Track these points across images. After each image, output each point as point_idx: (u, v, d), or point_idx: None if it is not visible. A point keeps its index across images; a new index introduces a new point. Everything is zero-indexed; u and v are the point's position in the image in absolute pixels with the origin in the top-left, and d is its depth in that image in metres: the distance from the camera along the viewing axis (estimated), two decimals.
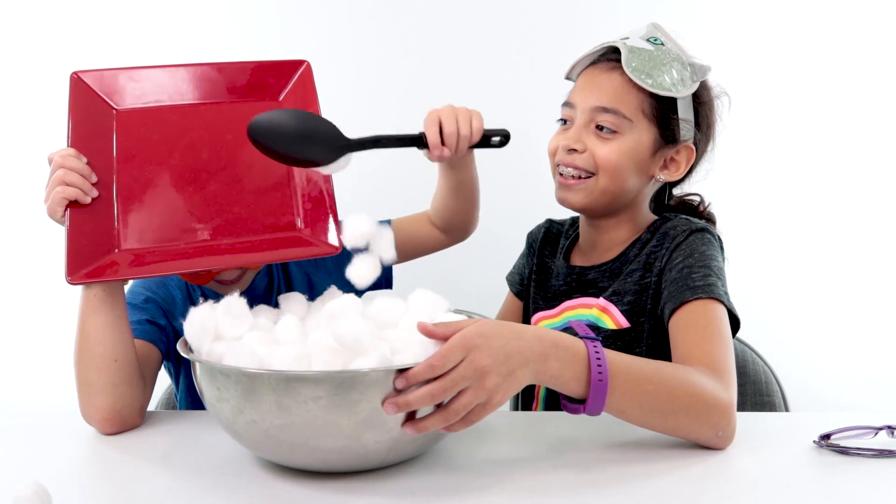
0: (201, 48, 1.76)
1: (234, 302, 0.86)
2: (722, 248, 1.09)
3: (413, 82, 1.78)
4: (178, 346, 0.87)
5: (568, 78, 1.17)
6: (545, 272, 1.23)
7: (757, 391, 1.24)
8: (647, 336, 1.07)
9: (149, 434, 0.98)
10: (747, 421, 0.94)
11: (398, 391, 0.74)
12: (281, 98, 1.11)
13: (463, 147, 1.07)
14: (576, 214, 1.23)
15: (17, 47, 1.78)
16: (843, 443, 0.86)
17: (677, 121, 1.07)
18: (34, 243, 1.76)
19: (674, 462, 0.84)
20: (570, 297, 1.16)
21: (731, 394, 0.88)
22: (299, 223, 1.04)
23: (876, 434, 0.89)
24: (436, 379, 0.74)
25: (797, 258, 1.76)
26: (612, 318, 1.09)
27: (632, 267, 1.10)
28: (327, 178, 1.06)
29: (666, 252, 1.06)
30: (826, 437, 0.87)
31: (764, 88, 1.72)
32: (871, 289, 1.76)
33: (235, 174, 1.05)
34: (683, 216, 1.12)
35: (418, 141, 1.06)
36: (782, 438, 0.91)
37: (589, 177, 1.08)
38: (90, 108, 1.06)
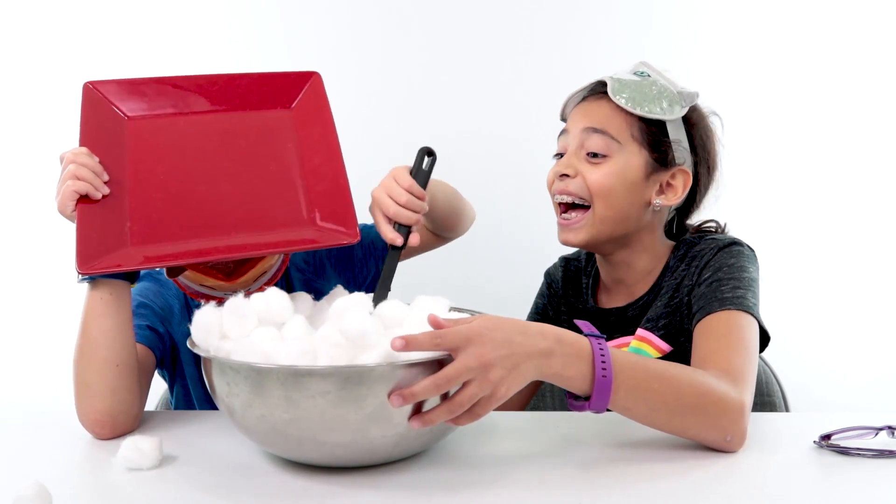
0: (209, 56, 1.78)
1: (239, 302, 0.86)
2: (755, 259, 1.08)
3: (415, 87, 1.79)
4: (188, 343, 0.87)
5: (563, 118, 1.18)
6: (576, 313, 1.22)
7: (757, 391, 1.23)
8: (690, 356, 1.04)
9: (150, 433, 0.98)
10: None
11: (398, 388, 0.75)
12: (292, 106, 1.12)
13: (417, 207, 1.01)
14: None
15: (31, 56, 1.80)
16: (843, 443, 0.87)
17: (669, 143, 1.08)
18: (38, 245, 1.77)
19: (675, 462, 0.85)
20: (611, 338, 1.15)
21: (745, 398, 0.87)
22: (314, 217, 1.03)
23: (876, 434, 0.89)
24: (440, 371, 0.75)
25: (796, 260, 1.76)
26: (652, 345, 1.09)
27: (661, 291, 1.10)
28: (340, 173, 1.05)
29: (695, 270, 1.06)
30: (826, 437, 0.87)
31: (752, 111, 1.73)
32: (871, 289, 1.76)
33: (247, 177, 1.05)
34: (709, 237, 1.11)
35: (397, 248, 1.02)
36: (782, 439, 0.91)
37: (585, 209, 1.09)
38: (102, 115, 1.06)
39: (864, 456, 0.85)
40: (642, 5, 1.74)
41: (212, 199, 1.03)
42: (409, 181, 1.02)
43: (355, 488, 0.79)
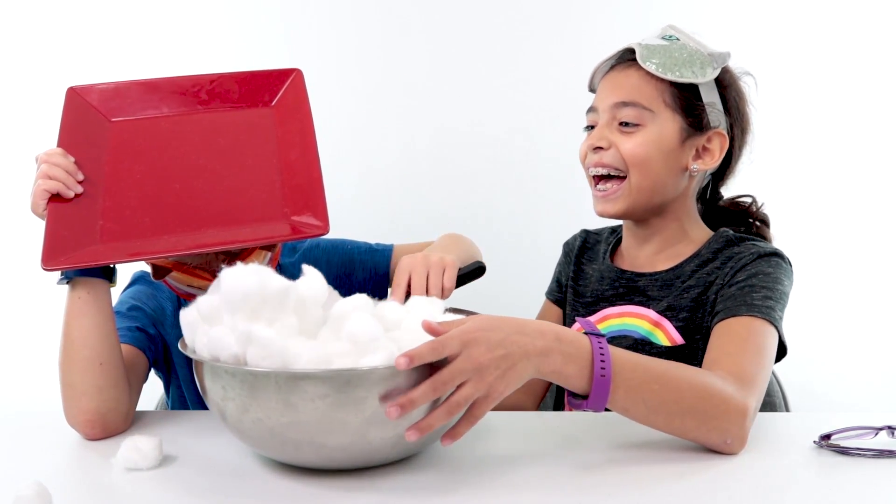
0: (203, 58, 1.77)
1: (288, 286, 0.81)
2: (791, 275, 1.07)
3: (415, 87, 1.79)
4: (180, 345, 0.87)
5: (591, 89, 1.18)
6: (582, 277, 1.23)
7: None
8: (702, 354, 1.03)
9: (150, 433, 0.98)
10: None
11: (392, 399, 0.74)
12: (273, 103, 1.12)
13: (437, 294, 1.01)
14: (614, 223, 1.24)
15: (17, 60, 1.79)
16: (843, 443, 0.87)
17: (702, 107, 1.08)
18: (35, 245, 1.76)
19: (675, 462, 0.85)
20: (612, 304, 1.15)
21: (749, 402, 0.86)
22: (287, 210, 1.02)
23: (876, 434, 0.89)
24: (434, 373, 0.75)
25: (796, 259, 1.75)
26: (666, 334, 1.08)
27: (689, 283, 1.09)
28: (314, 165, 1.05)
29: (729, 271, 1.05)
30: (826, 437, 0.87)
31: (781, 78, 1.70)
32: (871, 289, 1.76)
33: (225, 174, 1.06)
34: (751, 242, 1.10)
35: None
36: (782, 439, 0.91)
37: (621, 180, 1.09)
38: (84, 118, 1.07)
39: (864, 456, 0.85)
40: (642, 7, 1.74)
41: (186, 197, 1.03)
42: (451, 279, 1.01)
43: (355, 490, 0.79)
